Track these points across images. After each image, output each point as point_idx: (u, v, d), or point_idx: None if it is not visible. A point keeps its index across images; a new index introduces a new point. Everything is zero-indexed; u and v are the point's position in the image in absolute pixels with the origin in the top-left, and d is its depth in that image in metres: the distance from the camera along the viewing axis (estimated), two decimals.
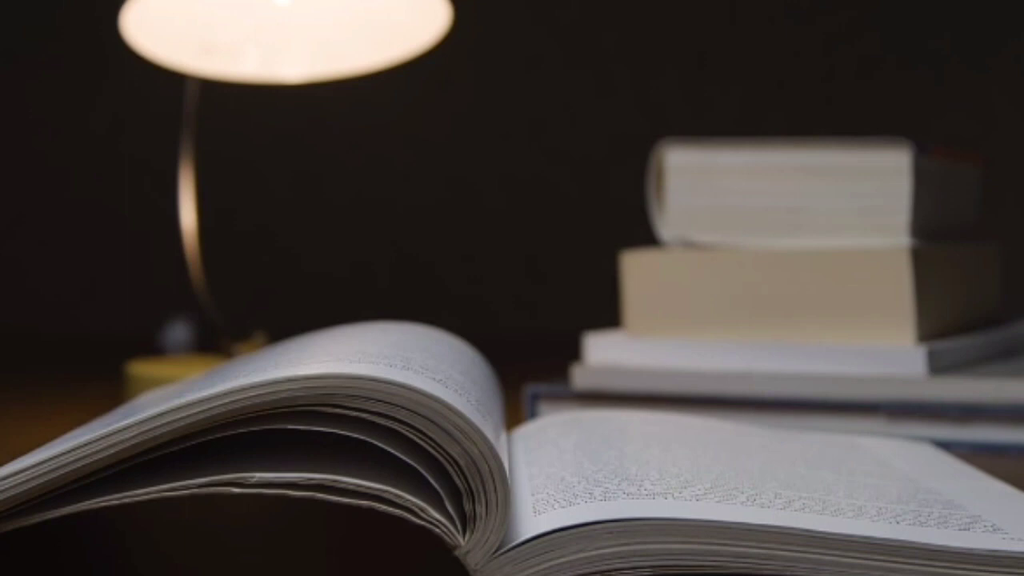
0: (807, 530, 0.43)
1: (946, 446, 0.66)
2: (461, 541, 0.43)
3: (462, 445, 0.43)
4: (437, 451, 0.43)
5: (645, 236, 0.81)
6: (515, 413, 0.74)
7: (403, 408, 0.43)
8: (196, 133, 1.01)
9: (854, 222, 0.75)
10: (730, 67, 1.64)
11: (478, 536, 0.43)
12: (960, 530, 0.44)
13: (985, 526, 0.45)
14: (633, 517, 0.43)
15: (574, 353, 0.80)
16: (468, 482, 0.43)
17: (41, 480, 0.43)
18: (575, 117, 1.66)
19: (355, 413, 0.43)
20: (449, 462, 0.43)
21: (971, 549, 0.42)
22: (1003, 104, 1.55)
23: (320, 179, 1.71)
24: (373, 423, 0.43)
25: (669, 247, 0.79)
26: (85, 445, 0.43)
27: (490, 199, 1.68)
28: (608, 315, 0.89)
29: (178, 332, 1.23)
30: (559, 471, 0.50)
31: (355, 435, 0.43)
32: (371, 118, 1.62)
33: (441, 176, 1.69)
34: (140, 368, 0.95)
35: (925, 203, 0.76)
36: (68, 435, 0.50)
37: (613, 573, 0.42)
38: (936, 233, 0.79)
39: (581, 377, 0.78)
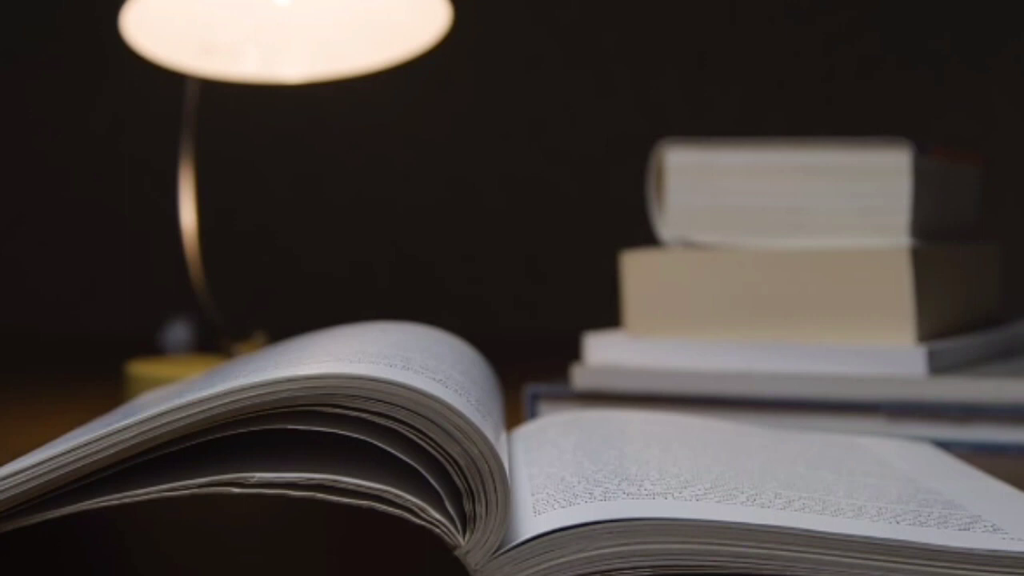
0: (807, 530, 0.43)
1: (946, 446, 0.66)
2: (461, 541, 0.43)
3: (462, 445, 0.43)
4: (437, 451, 0.43)
5: (645, 236, 0.81)
6: (515, 413, 0.74)
7: (403, 408, 0.43)
8: (196, 133, 1.01)
9: (854, 222, 0.75)
10: (730, 67, 1.64)
11: (478, 536, 0.43)
12: (960, 530, 0.44)
13: (985, 526, 0.45)
14: (633, 517, 0.43)
15: (574, 353, 0.80)
16: (468, 482, 0.43)
17: (41, 480, 0.43)
18: (575, 117, 1.66)
19: (355, 413, 0.43)
20: (449, 462, 0.43)
21: (971, 549, 0.42)
22: (1003, 104, 1.55)
23: (320, 179, 1.71)
24: (373, 423, 0.43)
25: (669, 247, 0.79)
26: (85, 445, 0.43)
27: (490, 199, 1.68)
28: (608, 315, 0.89)
29: (178, 332, 1.23)
30: (559, 471, 0.50)
31: (355, 435, 0.43)
32: (371, 118, 1.62)
33: (441, 176, 1.69)
34: (140, 368, 0.95)
35: (925, 203, 0.76)
36: (68, 435, 0.50)
37: (613, 573, 0.42)
38: (936, 233, 0.79)
39: (581, 377, 0.78)
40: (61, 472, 0.43)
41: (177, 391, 0.55)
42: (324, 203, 1.70)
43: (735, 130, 1.19)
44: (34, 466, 0.43)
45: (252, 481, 0.43)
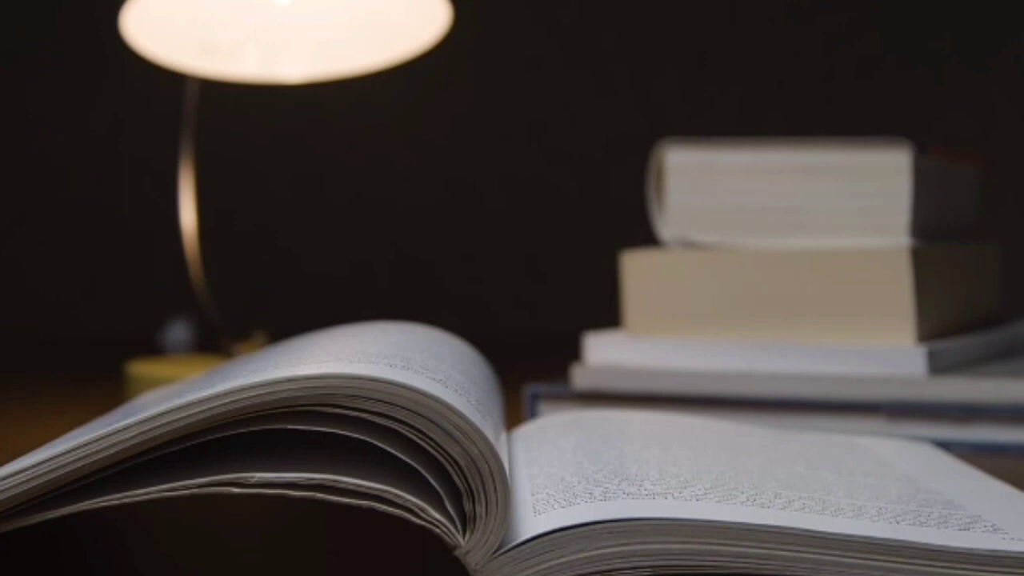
0: (807, 530, 0.43)
1: (946, 446, 0.66)
2: (461, 541, 0.43)
3: (462, 445, 0.43)
4: (437, 451, 0.43)
5: (645, 236, 0.81)
6: (515, 413, 0.74)
7: (403, 408, 0.43)
8: (196, 133, 1.01)
9: (854, 222, 0.75)
10: (730, 67, 1.64)
11: (478, 536, 0.43)
12: (960, 530, 0.44)
13: (985, 526, 0.45)
14: (633, 517, 0.43)
15: (574, 353, 0.80)
16: (468, 482, 0.43)
17: (41, 480, 0.43)
18: (575, 117, 1.66)
19: (355, 413, 0.43)
20: (449, 462, 0.43)
21: (971, 549, 0.42)
22: (1003, 104, 1.55)
23: (320, 179, 1.71)
24: (373, 423, 0.43)
25: (669, 247, 0.79)
26: (85, 445, 0.43)
27: (490, 199, 1.68)
28: (608, 315, 0.89)
29: (178, 332, 1.23)
30: (559, 471, 0.50)
31: (355, 435, 0.43)
32: (371, 118, 1.62)
33: (441, 176, 1.69)
34: (140, 368, 0.95)
35: (925, 203, 0.76)
36: (68, 435, 0.50)
37: (613, 573, 0.42)
38: (936, 233, 0.79)
39: (581, 377, 0.78)
40: (61, 472, 0.43)
41: (177, 391, 0.55)
42: (324, 203, 1.70)
43: (735, 130, 1.19)
44: (34, 466, 0.43)
45: (252, 481, 0.43)
